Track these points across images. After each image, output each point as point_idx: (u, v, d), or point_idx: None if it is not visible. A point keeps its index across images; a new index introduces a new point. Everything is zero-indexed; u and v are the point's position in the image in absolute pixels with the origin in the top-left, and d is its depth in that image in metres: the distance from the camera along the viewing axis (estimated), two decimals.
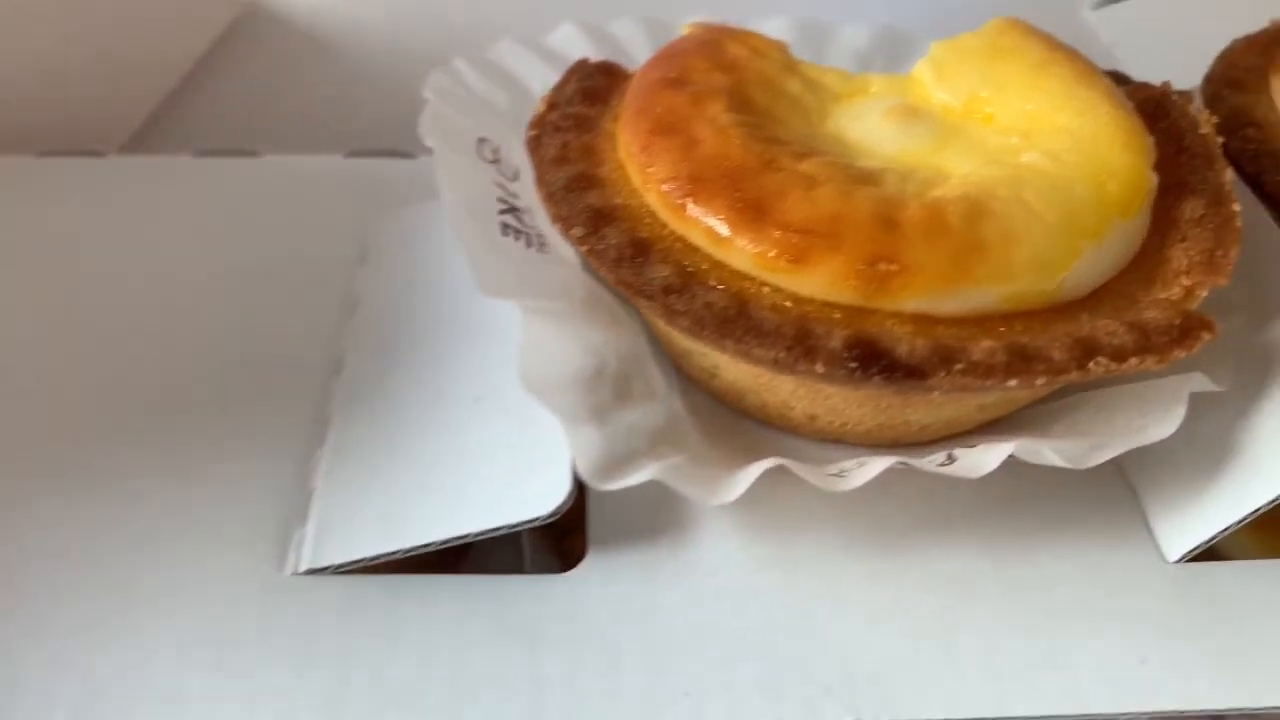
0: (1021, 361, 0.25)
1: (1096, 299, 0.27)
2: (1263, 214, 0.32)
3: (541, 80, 0.34)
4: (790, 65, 0.32)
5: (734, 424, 0.30)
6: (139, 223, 0.36)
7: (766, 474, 0.26)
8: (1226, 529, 0.27)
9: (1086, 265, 0.27)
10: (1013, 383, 0.25)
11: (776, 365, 0.25)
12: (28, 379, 0.31)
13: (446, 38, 0.38)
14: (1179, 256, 0.28)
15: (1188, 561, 0.27)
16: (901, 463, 0.26)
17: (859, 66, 0.37)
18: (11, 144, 0.38)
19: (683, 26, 0.33)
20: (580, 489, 0.26)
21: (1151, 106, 0.31)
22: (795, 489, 0.27)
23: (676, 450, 0.27)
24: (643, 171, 0.28)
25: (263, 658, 0.25)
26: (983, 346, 0.25)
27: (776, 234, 0.26)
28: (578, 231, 0.28)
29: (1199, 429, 0.28)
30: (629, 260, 0.27)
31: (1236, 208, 0.28)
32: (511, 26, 0.36)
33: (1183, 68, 0.36)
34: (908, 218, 0.26)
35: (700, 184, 0.27)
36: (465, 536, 0.26)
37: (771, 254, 0.26)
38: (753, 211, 0.26)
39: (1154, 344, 0.26)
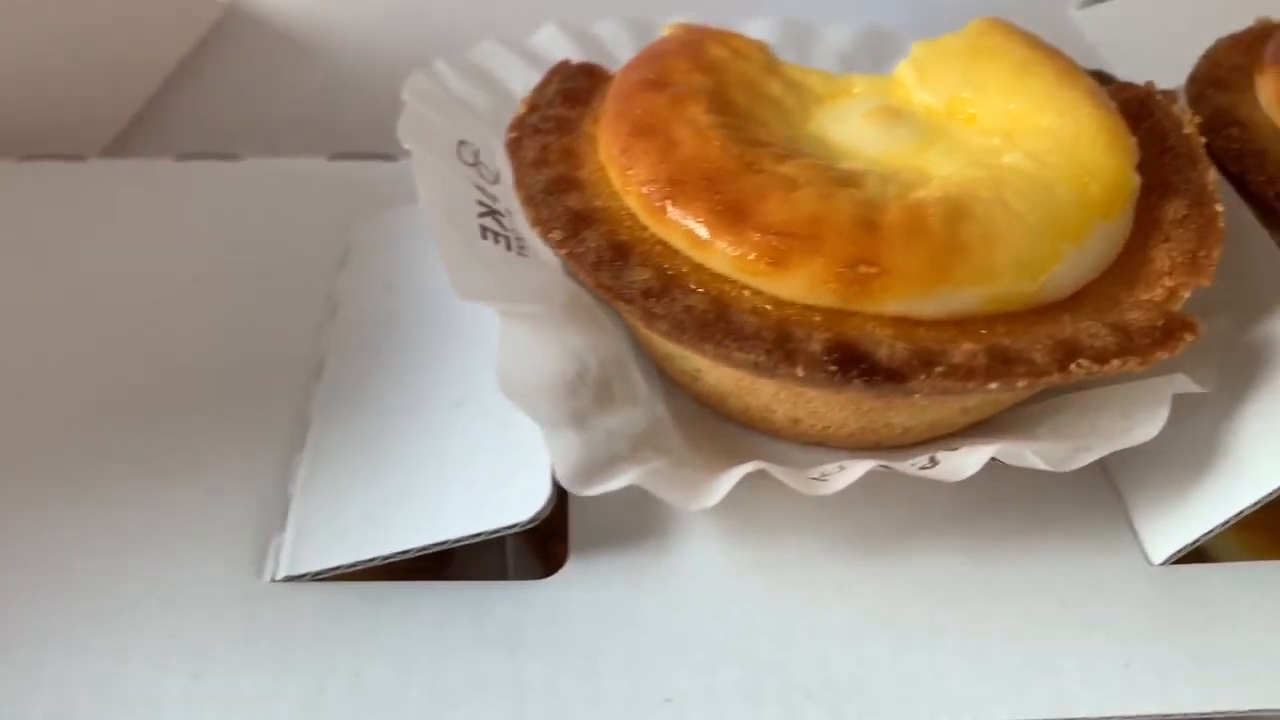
0: (1002, 364, 0.25)
1: (1078, 300, 0.27)
2: (1246, 214, 0.32)
3: (523, 82, 0.34)
4: (772, 66, 0.31)
5: (717, 428, 0.30)
6: (121, 227, 0.36)
7: (748, 478, 0.26)
8: (1211, 531, 0.27)
9: (1068, 266, 0.27)
10: (994, 385, 0.25)
11: (757, 369, 0.25)
12: (5, 382, 0.31)
13: (429, 40, 0.38)
14: (1162, 257, 0.28)
15: (1172, 564, 0.27)
16: (883, 466, 0.26)
17: (843, 67, 0.37)
18: None
19: (664, 27, 0.33)
20: (562, 494, 0.26)
21: (1135, 106, 0.31)
22: (777, 493, 0.27)
23: (658, 455, 0.27)
24: (623, 174, 0.28)
25: (241, 665, 0.25)
26: (963, 349, 0.25)
27: (756, 237, 0.26)
28: (557, 235, 0.28)
29: (1183, 430, 0.28)
30: (608, 264, 0.27)
31: (1219, 208, 0.28)
32: (495, 28, 0.36)
33: (1168, 67, 0.36)
34: (888, 220, 0.26)
35: (680, 186, 0.27)
36: (444, 543, 0.26)
37: (751, 257, 0.26)
38: (732, 214, 0.26)
39: (1136, 345, 0.26)
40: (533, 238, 0.29)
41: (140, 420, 0.30)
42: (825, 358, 0.25)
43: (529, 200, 0.29)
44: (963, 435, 0.29)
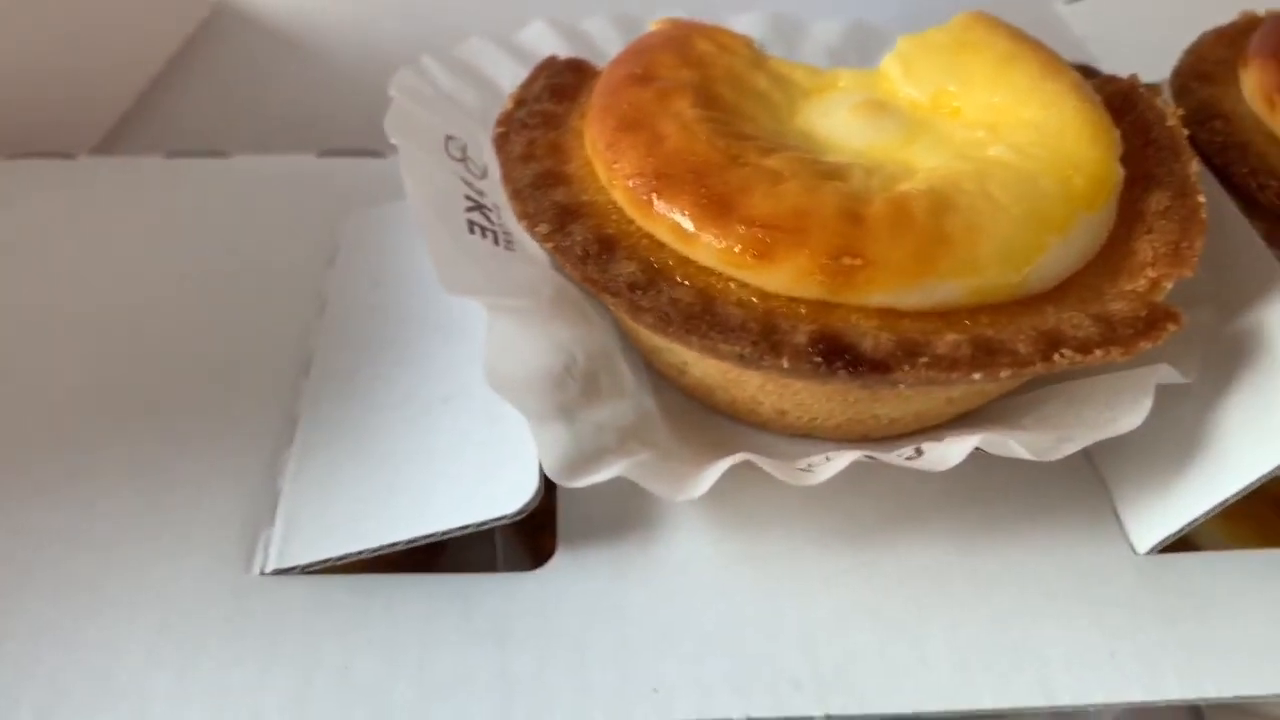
0: (986, 355, 0.25)
1: (1062, 291, 0.27)
2: (1229, 205, 0.32)
3: (511, 78, 0.34)
4: (758, 61, 0.32)
5: (705, 420, 0.30)
6: (110, 224, 0.36)
7: (736, 470, 0.26)
8: (1195, 520, 0.27)
9: (1052, 258, 0.27)
10: (977, 376, 0.25)
11: (742, 361, 0.25)
12: None
13: (418, 36, 0.38)
14: (1145, 248, 0.28)
15: (1157, 553, 0.27)
16: (869, 456, 0.26)
17: (831, 62, 0.37)
18: None
19: (651, 23, 0.33)
20: (550, 487, 0.26)
21: (1119, 99, 0.31)
22: (765, 485, 0.27)
23: (645, 447, 0.27)
24: (609, 168, 0.28)
25: (230, 658, 0.25)
26: (947, 340, 0.25)
27: (741, 229, 0.26)
28: (543, 229, 0.28)
29: (1167, 420, 0.28)
30: (594, 257, 0.27)
31: (1202, 199, 0.28)
32: (484, 24, 0.36)
33: (1154, 60, 0.36)
34: (872, 212, 0.26)
35: (665, 180, 0.27)
36: (432, 536, 0.26)
37: (736, 249, 0.26)
38: (717, 207, 0.26)
39: (1119, 336, 0.26)
40: (520, 232, 0.29)
41: (129, 416, 0.30)
42: (810, 349, 0.25)
43: (516, 194, 0.29)
44: (949, 426, 0.29)
